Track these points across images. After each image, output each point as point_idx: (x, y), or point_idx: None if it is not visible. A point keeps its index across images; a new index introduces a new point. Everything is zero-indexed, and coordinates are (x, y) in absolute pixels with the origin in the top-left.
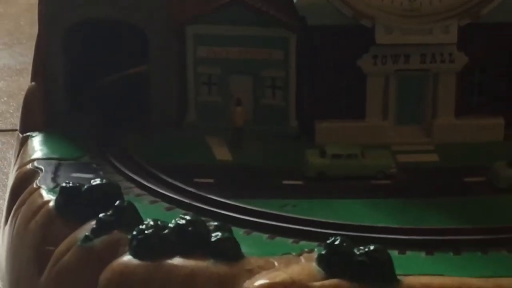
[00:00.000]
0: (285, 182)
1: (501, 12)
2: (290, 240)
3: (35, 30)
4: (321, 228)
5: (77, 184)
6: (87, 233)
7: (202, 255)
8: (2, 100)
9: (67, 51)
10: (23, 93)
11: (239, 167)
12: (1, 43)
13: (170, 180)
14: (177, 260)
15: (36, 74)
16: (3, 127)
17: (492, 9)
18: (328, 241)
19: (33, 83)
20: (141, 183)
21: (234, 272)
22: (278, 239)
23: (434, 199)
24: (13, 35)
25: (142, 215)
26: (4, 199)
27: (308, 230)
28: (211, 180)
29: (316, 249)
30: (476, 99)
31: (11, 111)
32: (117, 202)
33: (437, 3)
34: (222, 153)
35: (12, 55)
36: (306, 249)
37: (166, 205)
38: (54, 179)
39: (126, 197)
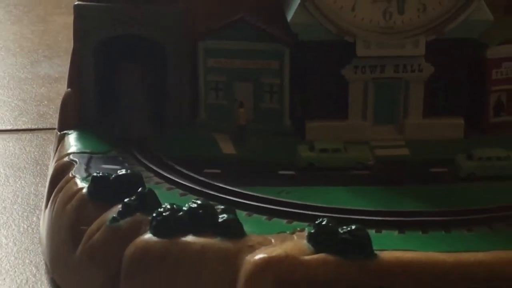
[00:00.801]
0: (280, 172)
1: (461, 30)
2: (285, 221)
3: (70, 45)
4: (310, 211)
5: (106, 174)
6: (114, 215)
7: (211, 234)
8: (43, 103)
9: (97, 63)
10: (61, 97)
11: (242, 159)
12: (42, 56)
13: (183, 170)
14: (189, 238)
15: (71, 82)
16: (44, 126)
17: (453, 28)
18: (316, 222)
19: (68, 89)
20: (159, 173)
21: (238, 248)
22: (275, 220)
23: (405, 186)
24: (52, 49)
25: (160, 200)
26: (45, 187)
27: (299, 212)
28: (218, 171)
29: (306, 229)
30: (440, 102)
31: (50, 112)
32: (140, 189)
33: (408, 22)
34: (227, 148)
35: (52, 66)
36: (298, 229)
37: (181, 191)
38: (86, 170)
39: (147, 185)
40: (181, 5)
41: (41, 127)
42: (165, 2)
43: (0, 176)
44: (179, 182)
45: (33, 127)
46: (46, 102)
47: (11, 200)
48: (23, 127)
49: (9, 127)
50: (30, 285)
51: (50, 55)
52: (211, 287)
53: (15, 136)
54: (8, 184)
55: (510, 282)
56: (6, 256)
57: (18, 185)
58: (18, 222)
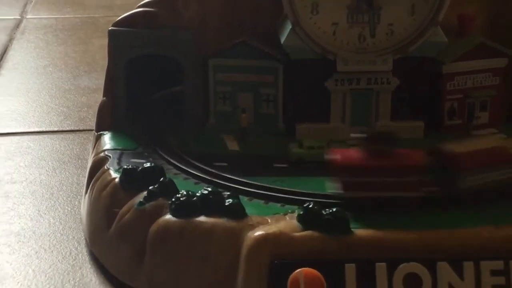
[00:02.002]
0: (275, 165)
1: (421, 50)
2: (279, 205)
3: (105, 62)
4: (300, 197)
5: (134, 166)
6: (141, 200)
7: (219, 215)
8: (83, 109)
9: (127, 76)
10: (98, 105)
11: (244, 155)
12: (83, 71)
13: (197, 163)
14: (201, 218)
15: (106, 92)
16: (84, 128)
17: (415, 48)
18: (304, 205)
19: (104, 98)
20: (177, 165)
21: (241, 226)
22: (271, 204)
23: None
24: (91, 65)
25: (178, 187)
26: (85, 177)
27: (291, 198)
28: (225, 164)
29: (296, 211)
30: (405, 108)
31: (89, 117)
32: (161, 179)
33: (379, 44)
34: (232, 145)
35: (90, 79)
36: (289, 211)
37: (195, 181)
38: (118, 163)
39: (167, 175)
40: (195, 31)
41: (82, 129)
42: (182, 28)
43: (49, 168)
44: (193, 173)
45: (75, 128)
46: (85, 108)
47: (57, 187)
48: (67, 128)
49: (56, 129)
50: (73, 257)
51: (89, 71)
52: (219, 258)
53: (61, 136)
54: (55, 174)
55: (459, 253)
56: (53, 233)
57: (63, 176)
58: (63, 205)
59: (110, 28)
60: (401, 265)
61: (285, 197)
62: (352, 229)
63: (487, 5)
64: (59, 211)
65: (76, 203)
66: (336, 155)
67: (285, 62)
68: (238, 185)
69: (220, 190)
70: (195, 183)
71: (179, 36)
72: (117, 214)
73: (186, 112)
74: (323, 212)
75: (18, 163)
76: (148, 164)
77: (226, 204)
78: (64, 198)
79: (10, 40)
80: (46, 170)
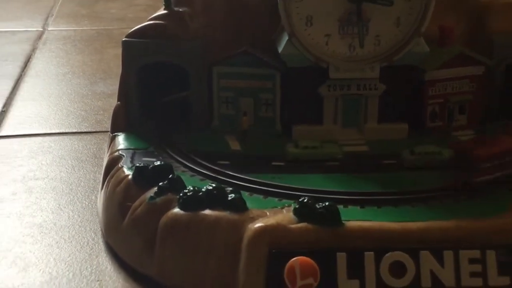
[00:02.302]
0: (273, 163)
1: (405, 58)
2: (277, 199)
3: (119, 70)
4: (296, 192)
5: (146, 164)
6: (152, 195)
7: (222, 209)
8: (100, 113)
9: (139, 82)
10: (112, 108)
11: (245, 154)
12: (99, 78)
13: (202, 162)
14: (207, 211)
15: (120, 97)
16: (101, 129)
17: (400, 57)
18: (300, 200)
19: (118, 102)
20: (184, 163)
21: (242, 219)
22: (269, 198)
23: (365, 173)
24: (106, 73)
25: (185, 183)
26: (101, 174)
27: (288, 193)
28: (228, 162)
29: (292, 205)
30: (390, 112)
31: (105, 119)
32: (170, 176)
33: (367, 53)
34: (234, 145)
35: (106, 85)
36: (286, 205)
37: (200, 177)
38: (131, 161)
39: (175, 173)
40: (201, 41)
41: (98, 130)
42: (188, 39)
43: (68, 166)
44: (199, 170)
45: (92, 130)
46: (101, 112)
47: (76, 184)
48: (85, 130)
49: (74, 130)
50: (90, 246)
51: (104, 77)
52: (223, 248)
53: (79, 137)
54: (74, 172)
55: (438, 243)
56: (72, 225)
57: (81, 173)
58: (81, 200)
59: (123, 39)
60: (387, 254)
61: (282, 192)
62: (343, 221)
63: (465, 17)
64: (78, 205)
65: (93, 197)
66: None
67: (282, 70)
68: (240, 182)
69: (223, 186)
70: (201, 180)
71: (186, 46)
72: (130, 207)
73: (193, 115)
74: (317, 206)
75: (40, 161)
76: (158, 162)
77: (229, 198)
78: (82, 193)
79: (33, 50)
80: (66, 168)
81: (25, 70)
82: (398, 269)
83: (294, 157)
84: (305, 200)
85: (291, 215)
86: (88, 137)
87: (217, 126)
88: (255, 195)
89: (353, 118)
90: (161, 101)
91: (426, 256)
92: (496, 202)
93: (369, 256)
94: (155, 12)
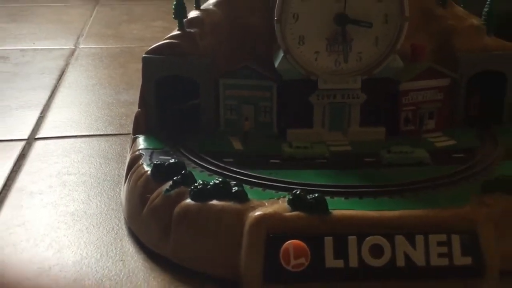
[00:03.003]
0: (271, 161)
1: (383, 72)
2: (274, 191)
3: (139, 82)
4: (290, 185)
5: (162, 162)
6: (167, 187)
7: (227, 199)
8: (123, 118)
9: (156, 92)
10: (134, 114)
11: (246, 153)
12: (122, 88)
13: (210, 159)
14: (214, 202)
15: (140, 104)
16: (124, 132)
17: (379, 71)
18: (293, 192)
19: (139, 109)
20: (195, 161)
21: (244, 208)
22: (268, 191)
23: (349, 170)
24: (129, 84)
25: (195, 178)
26: (124, 170)
27: (283, 186)
28: (232, 160)
29: (287, 196)
30: (370, 117)
31: (128, 124)
32: (183, 171)
33: (350, 67)
34: (237, 145)
35: (128, 94)
36: (282, 196)
37: (208, 173)
38: (150, 159)
39: (187, 169)
40: (209, 57)
41: (122, 133)
42: (198, 56)
43: (96, 163)
44: (207, 167)
45: (117, 133)
46: (124, 117)
47: (103, 178)
48: (111, 133)
49: (101, 133)
50: (115, 231)
51: (127, 88)
52: (228, 233)
53: (105, 138)
54: (101, 168)
55: (411, 229)
56: (100, 213)
57: (107, 169)
58: (107, 192)
59: (143, 56)
60: (368, 238)
61: (278, 185)
62: (330, 210)
63: (434, 37)
64: (104, 196)
65: (117, 190)
66: None
67: (278, 82)
68: (242, 176)
69: (228, 180)
70: (209, 175)
71: (196, 61)
72: (148, 199)
73: (202, 120)
74: (307, 197)
75: (72, 159)
76: (173, 160)
77: (233, 191)
78: (108, 186)
79: (66, 64)
80: (94, 165)
81: (59, 82)
82: (376, 251)
83: (289, 155)
84: (298, 192)
85: (286, 205)
86: (113, 138)
87: (222, 129)
88: (255, 188)
89: (338, 122)
90: (175, 108)
91: (400, 240)
92: (460, 194)
93: (352, 239)
94: (170, 32)
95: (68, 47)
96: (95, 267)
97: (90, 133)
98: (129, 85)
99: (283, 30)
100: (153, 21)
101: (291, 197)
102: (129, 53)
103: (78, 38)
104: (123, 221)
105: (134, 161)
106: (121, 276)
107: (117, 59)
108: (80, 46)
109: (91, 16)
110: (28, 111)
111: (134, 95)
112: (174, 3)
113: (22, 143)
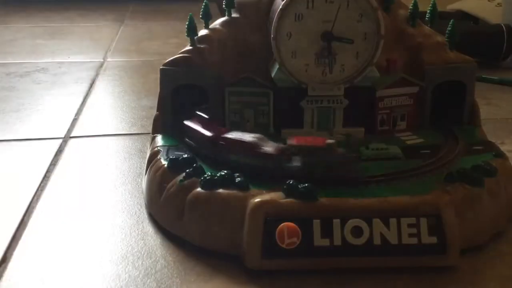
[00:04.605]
0: None
1: (362, 81)
2: (271, 183)
3: (158, 90)
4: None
5: (177, 157)
6: (181, 178)
7: (232, 188)
8: (144, 120)
9: (172, 98)
10: (153, 117)
11: None
12: (144, 95)
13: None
14: (220, 190)
15: (158, 108)
16: (145, 132)
17: (359, 80)
18: (287, 182)
19: (157, 112)
20: (204, 156)
21: (246, 196)
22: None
23: None
24: (149, 91)
25: (205, 170)
26: (145, 163)
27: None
28: None
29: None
30: (351, 119)
31: (148, 125)
32: (194, 165)
33: (334, 77)
34: None
35: (148, 100)
36: (277, 186)
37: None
38: (166, 155)
39: (198, 163)
40: (217, 70)
41: (143, 132)
42: (208, 68)
43: (122, 158)
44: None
45: (139, 132)
46: (145, 119)
47: (127, 170)
48: (133, 132)
49: (126, 132)
50: (137, 215)
51: (148, 95)
52: (233, 217)
53: (129, 137)
54: (125, 162)
55: (386, 213)
56: (124, 200)
57: (131, 163)
58: (131, 182)
59: (161, 67)
60: (350, 221)
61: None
62: (318, 198)
63: (405, 52)
64: (128, 186)
65: (139, 180)
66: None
67: (274, 89)
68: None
69: (232, 172)
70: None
71: (206, 72)
72: (165, 188)
73: None
74: (299, 186)
75: (101, 154)
76: (186, 155)
77: (237, 181)
78: (131, 177)
79: (97, 75)
80: (120, 159)
81: (91, 89)
82: (357, 232)
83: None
84: (291, 182)
85: (281, 193)
86: (136, 137)
87: None
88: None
89: (325, 123)
90: (188, 112)
91: (377, 222)
92: (427, 184)
93: (336, 222)
94: (183, 48)
95: (98, 60)
96: (120, 245)
97: (116, 133)
98: (149, 92)
99: (279, 46)
100: (169, 39)
101: (285, 186)
102: (149, 65)
103: (106, 53)
104: (144, 207)
105: (153, 156)
106: (142, 252)
107: (139, 70)
108: (108, 59)
109: (117, 34)
110: (64, 113)
111: (153, 101)
112: (187, 23)
113: (59, 141)
